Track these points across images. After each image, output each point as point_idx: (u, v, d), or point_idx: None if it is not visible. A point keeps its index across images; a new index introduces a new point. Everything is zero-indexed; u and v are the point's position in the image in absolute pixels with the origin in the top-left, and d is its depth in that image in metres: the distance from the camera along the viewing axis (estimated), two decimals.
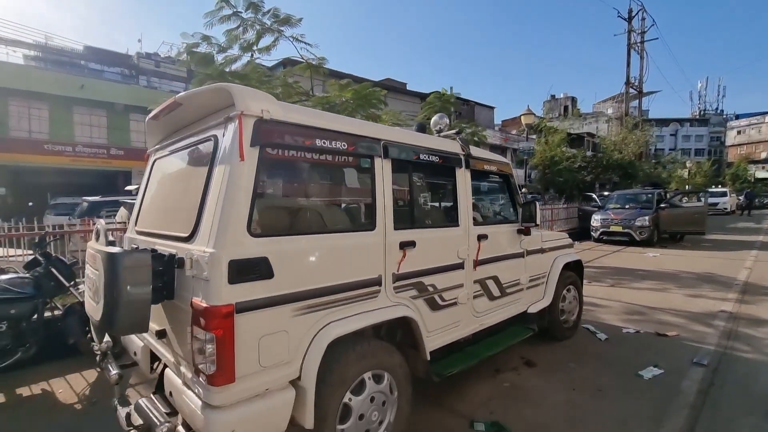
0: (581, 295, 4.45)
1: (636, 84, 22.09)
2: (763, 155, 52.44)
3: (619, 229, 11.87)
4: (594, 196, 15.75)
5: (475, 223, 2.96)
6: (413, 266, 2.40)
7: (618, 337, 4.37)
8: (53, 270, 3.65)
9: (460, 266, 2.79)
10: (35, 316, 3.41)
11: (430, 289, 2.55)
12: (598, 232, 12.26)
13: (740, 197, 27.50)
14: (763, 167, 49.85)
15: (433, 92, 8.54)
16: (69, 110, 17.40)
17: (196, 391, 1.66)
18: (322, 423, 1.88)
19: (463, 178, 2.88)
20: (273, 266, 1.72)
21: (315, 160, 2.00)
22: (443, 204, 2.92)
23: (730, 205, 25.48)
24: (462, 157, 2.87)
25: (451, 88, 8.99)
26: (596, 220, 12.47)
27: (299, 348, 1.83)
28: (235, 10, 5.58)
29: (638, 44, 22.11)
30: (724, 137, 58.58)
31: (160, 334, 1.95)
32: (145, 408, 1.62)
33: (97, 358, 2.54)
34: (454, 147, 2.86)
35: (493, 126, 32.23)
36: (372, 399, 2.15)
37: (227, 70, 6.00)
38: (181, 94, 1.98)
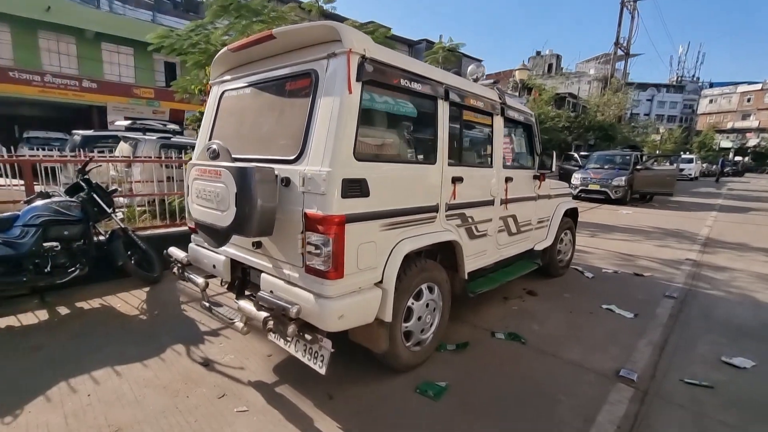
0: (575, 238, 5.03)
1: (624, 45, 22.26)
2: (729, 125, 54.91)
3: (596, 187, 12.66)
4: (576, 155, 16.45)
5: (504, 166, 3.34)
6: (459, 199, 2.77)
7: (601, 276, 5.03)
8: (95, 196, 3.80)
9: (491, 203, 3.19)
10: (85, 238, 3.62)
11: (470, 220, 2.95)
12: (578, 190, 13.02)
13: (714, 166, 29.48)
14: (727, 137, 52.41)
15: (438, 43, 8.53)
16: (34, 35, 15.97)
17: (306, 286, 2.02)
18: (394, 319, 2.31)
19: (498, 124, 3.21)
20: (369, 186, 2.04)
21: (397, 96, 2.27)
22: (481, 146, 3.25)
23: (695, 171, 27.09)
24: (499, 105, 3.18)
25: (451, 38, 9.00)
26: (576, 178, 13.19)
27: (381, 257, 2.20)
28: None
29: (631, 2, 22.01)
30: (697, 105, 60.51)
31: (257, 245, 2.27)
32: (269, 298, 1.96)
33: (176, 270, 2.86)
34: (492, 95, 3.15)
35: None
36: (427, 305, 2.60)
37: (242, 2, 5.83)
38: (279, 28, 2.14)
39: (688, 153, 32.48)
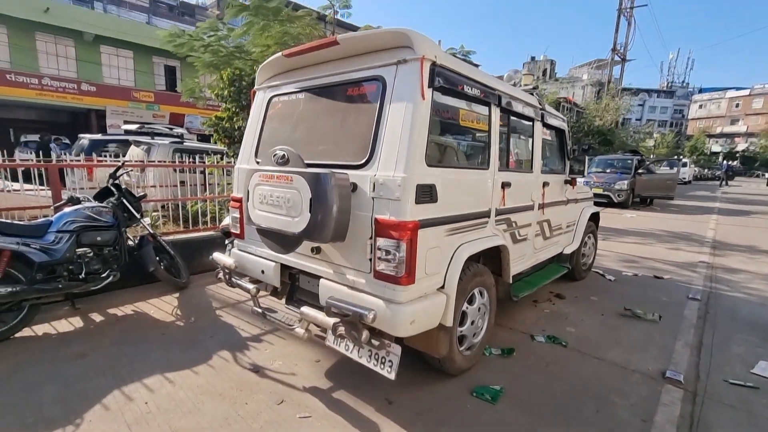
0: (597, 242, 5.09)
1: (621, 51, 22.61)
2: (719, 130, 55.99)
3: (599, 191, 12.79)
4: None
5: (541, 171, 3.38)
6: (507, 204, 2.80)
7: (622, 278, 5.09)
8: (125, 201, 3.77)
9: (531, 208, 3.23)
10: (117, 244, 3.58)
11: (514, 225, 2.98)
12: None
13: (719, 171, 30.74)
14: (717, 142, 53.43)
15: (449, 48, 8.61)
16: (32, 37, 15.78)
17: (375, 292, 2.02)
18: (453, 324, 2.32)
19: (538, 129, 3.25)
20: (438, 192, 2.06)
21: (458, 102, 2.29)
22: (524, 152, 3.29)
23: (689, 175, 27.58)
24: (539, 111, 3.22)
25: (462, 46, 9.08)
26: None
27: (444, 262, 2.22)
28: None
29: (628, 9, 22.39)
30: (687, 110, 61.60)
31: (316, 250, 2.27)
32: (342, 304, 1.96)
33: (223, 276, 2.84)
34: (534, 101, 3.20)
35: None
36: (479, 309, 2.62)
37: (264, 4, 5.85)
38: (343, 35, 2.15)
39: (681, 158, 33.04)
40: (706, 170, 37.19)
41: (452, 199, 2.21)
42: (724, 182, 28.32)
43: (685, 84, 65.17)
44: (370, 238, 2.01)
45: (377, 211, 1.98)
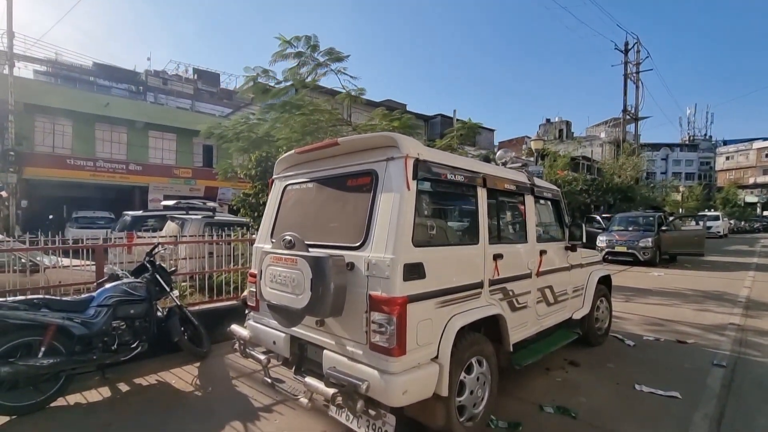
0: (611, 305, 5.05)
1: (632, 111, 23.28)
2: (751, 180, 54.32)
3: (623, 249, 12.56)
4: (598, 217, 16.52)
5: (537, 240, 3.58)
6: (501, 274, 2.99)
7: (643, 343, 4.94)
8: (157, 276, 4.17)
9: (528, 276, 3.38)
10: (148, 316, 3.91)
11: (511, 293, 3.13)
12: (604, 252, 12.92)
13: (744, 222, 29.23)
14: (752, 192, 51.59)
15: (458, 120, 9.29)
16: (92, 127, 18.03)
17: (371, 363, 2.20)
18: (449, 393, 2.42)
19: (529, 202, 3.51)
20: (425, 269, 2.30)
21: (443, 188, 2.62)
22: (516, 224, 3.53)
23: (723, 228, 26.47)
24: (529, 186, 3.51)
25: (455, 111, 9.79)
26: (602, 240, 13.16)
27: (437, 333, 2.39)
28: (297, 49, 6.30)
29: (633, 75, 23.43)
30: (714, 162, 60.63)
31: (320, 323, 2.50)
32: (339, 375, 2.14)
33: (238, 347, 3.07)
34: (522, 177, 3.50)
35: (492, 147, 33.55)
36: (477, 378, 2.71)
37: (282, 99, 6.70)
38: (343, 138, 2.59)
39: (712, 210, 32.00)
40: (743, 222, 35.52)
41: (441, 274, 2.44)
42: None
43: (707, 137, 64.83)
44: (366, 312, 2.24)
45: (371, 288, 2.23)
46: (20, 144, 15.17)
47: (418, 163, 2.36)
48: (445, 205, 2.72)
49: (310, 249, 2.51)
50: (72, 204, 17.93)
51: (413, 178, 2.31)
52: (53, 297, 3.57)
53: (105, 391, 3.56)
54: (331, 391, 2.14)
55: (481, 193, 2.89)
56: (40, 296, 3.53)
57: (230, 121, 7.90)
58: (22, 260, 4.63)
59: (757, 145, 56.53)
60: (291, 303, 2.31)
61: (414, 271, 2.24)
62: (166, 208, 9.83)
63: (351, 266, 2.33)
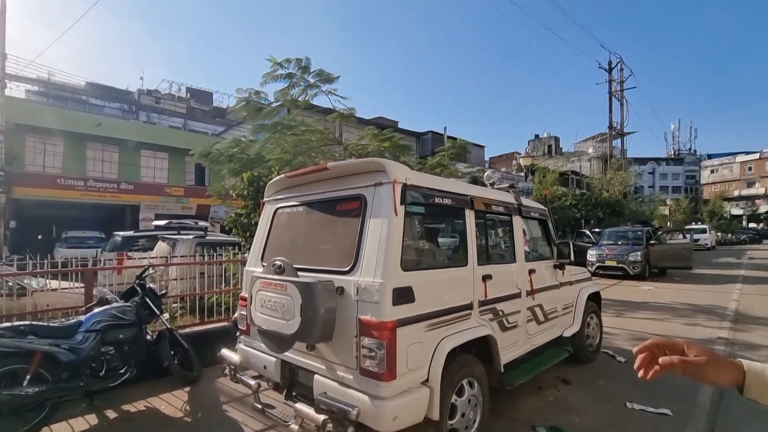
0: (601, 321, 5.09)
1: (618, 128, 23.87)
2: (736, 193, 55.53)
3: (613, 263, 12.69)
4: (587, 232, 16.72)
5: (526, 259, 3.64)
6: (490, 294, 3.03)
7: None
8: (147, 299, 4.14)
9: (518, 295, 3.42)
10: (137, 340, 3.86)
11: (501, 313, 3.16)
12: (594, 267, 13.04)
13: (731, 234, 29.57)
14: (737, 204, 52.68)
15: (449, 137, 9.46)
16: (83, 146, 17.98)
17: (361, 388, 2.21)
18: (441, 417, 2.43)
19: (517, 222, 3.58)
20: (415, 293, 2.34)
21: (432, 212, 2.68)
22: (505, 244, 3.59)
23: (710, 241, 26.86)
24: (516, 206, 3.59)
25: (445, 128, 9.98)
26: (592, 255, 13.31)
27: (427, 356, 2.41)
28: (288, 71, 6.43)
29: (618, 92, 24.11)
30: (699, 176, 61.99)
31: (311, 347, 2.51)
32: (329, 401, 2.14)
33: (228, 372, 3.05)
34: (510, 198, 3.58)
35: (483, 163, 34.04)
36: (469, 401, 2.71)
37: (274, 120, 6.80)
38: (332, 163, 2.65)
39: (699, 223, 32.54)
40: (729, 234, 36.10)
41: (430, 296, 2.48)
42: None
43: (693, 151, 66.45)
44: (356, 336, 2.25)
45: (361, 312, 2.26)
46: (10, 164, 15.05)
47: (405, 188, 2.43)
48: (434, 228, 2.78)
49: (300, 273, 2.53)
50: (62, 223, 17.71)
51: (401, 203, 2.37)
52: (40, 323, 3.51)
53: (92, 419, 3.49)
54: (321, 417, 2.13)
55: (469, 215, 2.95)
56: (27, 323, 3.48)
57: (222, 143, 7.97)
58: (9, 283, 4.56)
59: (740, 158, 58.04)
60: (281, 329, 2.33)
61: (403, 296, 2.27)
62: (158, 228, 9.78)
63: (341, 290, 2.36)
